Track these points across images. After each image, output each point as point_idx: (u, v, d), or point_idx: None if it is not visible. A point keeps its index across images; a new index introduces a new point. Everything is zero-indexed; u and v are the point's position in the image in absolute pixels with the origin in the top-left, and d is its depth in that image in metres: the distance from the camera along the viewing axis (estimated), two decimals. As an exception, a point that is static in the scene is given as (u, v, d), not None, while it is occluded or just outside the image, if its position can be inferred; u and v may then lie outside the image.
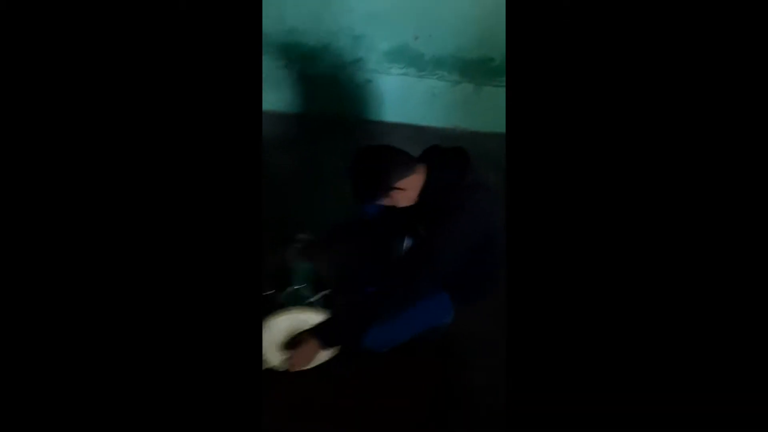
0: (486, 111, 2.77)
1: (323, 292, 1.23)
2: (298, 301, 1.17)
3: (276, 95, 2.56)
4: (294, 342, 1.13)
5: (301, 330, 1.18)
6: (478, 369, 1.33)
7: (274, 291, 1.20)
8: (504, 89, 2.77)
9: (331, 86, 2.61)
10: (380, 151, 1.13)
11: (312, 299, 1.19)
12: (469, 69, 2.64)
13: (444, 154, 1.17)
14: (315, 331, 1.12)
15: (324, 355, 1.23)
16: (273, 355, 1.19)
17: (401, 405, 1.21)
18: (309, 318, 1.16)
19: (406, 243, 1.32)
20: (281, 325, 1.15)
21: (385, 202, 1.15)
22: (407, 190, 1.12)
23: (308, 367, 1.22)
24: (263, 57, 2.39)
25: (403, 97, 2.66)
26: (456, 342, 1.40)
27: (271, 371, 1.20)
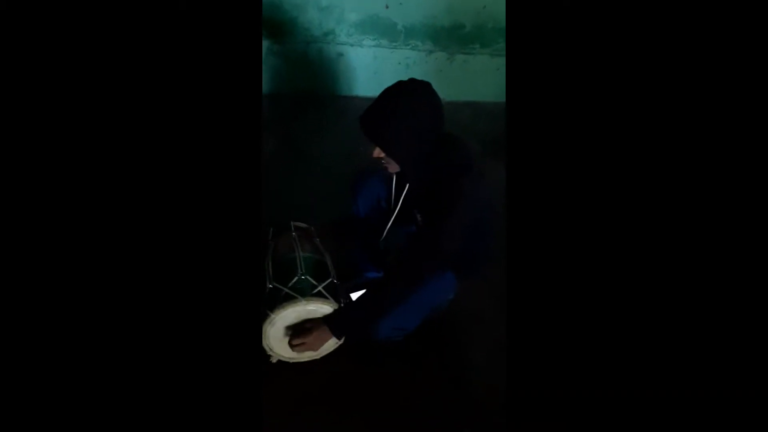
0: (459, 80, 2.75)
1: (327, 281, 1.20)
2: (304, 292, 1.14)
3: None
4: (305, 329, 1.12)
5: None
6: (477, 348, 1.37)
7: (273, 284, 1.17)
8: (475, 56, 2.74)
9: (301, 62, 2.51)
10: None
11: (317, 289, 1.16)
12: (441, 37, 2.59)
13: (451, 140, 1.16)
14: (326, 320, 1.11)
15: (333, 345, 1.22)
16: (282, 347, 1.17)
17: (403, 395, 1.22)
18: (318, 308, 1.14)
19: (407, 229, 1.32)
20: (290, 317, 1.13)
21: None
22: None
23: (317, 356, 1.21)
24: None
25: (377, 70, 2.59)
26: (456, 323, 1.43)
27: (282, 363, 1.19)
